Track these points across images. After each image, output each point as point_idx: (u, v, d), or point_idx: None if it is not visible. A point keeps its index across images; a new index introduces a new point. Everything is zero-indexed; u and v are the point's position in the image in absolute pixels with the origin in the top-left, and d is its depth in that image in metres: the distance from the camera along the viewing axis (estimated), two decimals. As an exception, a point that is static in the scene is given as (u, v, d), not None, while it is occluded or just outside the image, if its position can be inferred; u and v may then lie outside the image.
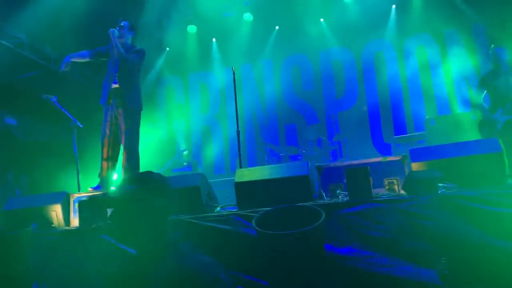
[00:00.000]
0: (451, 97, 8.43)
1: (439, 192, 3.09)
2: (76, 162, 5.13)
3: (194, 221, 3.31)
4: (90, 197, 3.99)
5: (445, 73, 8.50)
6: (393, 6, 8.79)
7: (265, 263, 2.71)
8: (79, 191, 4.87)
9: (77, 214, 3.92)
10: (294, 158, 8.47)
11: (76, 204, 3.99)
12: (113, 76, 5.03)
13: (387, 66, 8.95)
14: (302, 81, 9.57)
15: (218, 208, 3.98)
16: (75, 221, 4.07)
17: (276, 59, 9.67)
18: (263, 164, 8.67)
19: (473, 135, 6.03)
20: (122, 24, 5.17)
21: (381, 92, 9.00)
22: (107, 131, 5.03)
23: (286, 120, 9.58)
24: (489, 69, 6.03)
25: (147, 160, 5.93)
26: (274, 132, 9.62)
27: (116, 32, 5.04)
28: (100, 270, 3.30)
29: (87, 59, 5.26)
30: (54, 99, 5.09)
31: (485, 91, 5.79)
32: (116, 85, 5.00)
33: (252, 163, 9.56)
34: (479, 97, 5.84)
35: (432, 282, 2.79)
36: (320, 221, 2.60)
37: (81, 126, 5.31)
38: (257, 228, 2.59)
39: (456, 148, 3.35)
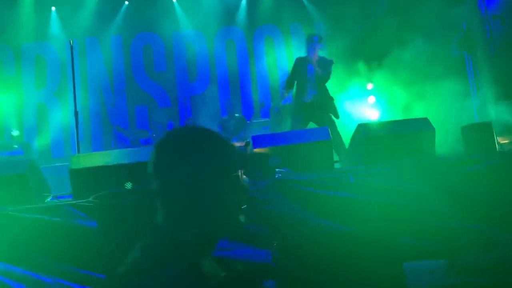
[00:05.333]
0: (294, 87, 9.13)
1: (276, 176, 3.28)
2: None
3: (13, 213, 2.87)
4: None
5: (289, 64, 9.15)
6: (245, -4, 9.07)
7: (104, 256, 2.53)
8: None
9: None
10: (144, 142, 8.15)
11: None
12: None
13: (237, 53, 9.23)
14: (154, 62, 9.22)
15: (49, 198, 3.57)
16: None
17: (126, 36, 9.09)
18: (110, 149, 8.14)
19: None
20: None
21: (232, 79, 9.26)
22: None
23: (137, 102, 9.12)
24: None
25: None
26: (123, 114, 9.07)
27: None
28: None
29: None
30: None
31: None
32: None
33: (98, 147, 8.88)
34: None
35: (269, 263, 2.96)
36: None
37: None
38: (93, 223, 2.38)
39: (293, 136, 3.60)
